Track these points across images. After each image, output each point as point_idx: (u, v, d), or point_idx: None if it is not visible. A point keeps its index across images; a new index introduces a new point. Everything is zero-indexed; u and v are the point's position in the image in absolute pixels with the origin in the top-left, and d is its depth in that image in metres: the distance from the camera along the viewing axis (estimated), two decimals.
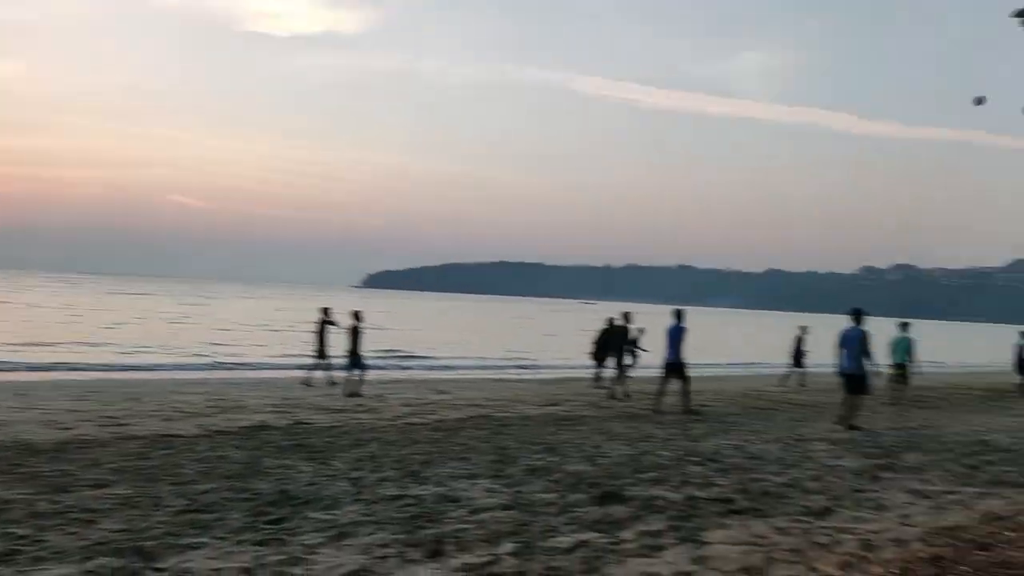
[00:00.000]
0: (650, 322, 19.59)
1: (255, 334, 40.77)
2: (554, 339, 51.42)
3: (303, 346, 21.44)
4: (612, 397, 16.39)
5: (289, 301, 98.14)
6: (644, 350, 18.80)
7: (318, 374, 17.61)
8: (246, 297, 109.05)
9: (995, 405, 17.61)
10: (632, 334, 17.89)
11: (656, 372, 15.01)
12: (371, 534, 5.76)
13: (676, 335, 14.18)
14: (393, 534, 5.75)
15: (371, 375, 17.41)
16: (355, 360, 16.32)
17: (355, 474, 7.89)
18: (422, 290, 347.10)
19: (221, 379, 19.68)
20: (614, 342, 17.45)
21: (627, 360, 17.32)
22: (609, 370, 17.60)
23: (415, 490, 7.23)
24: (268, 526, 5.94)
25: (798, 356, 22.11)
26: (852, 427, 12.05)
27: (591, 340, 19.12)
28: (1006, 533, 5.32)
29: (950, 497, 7.23)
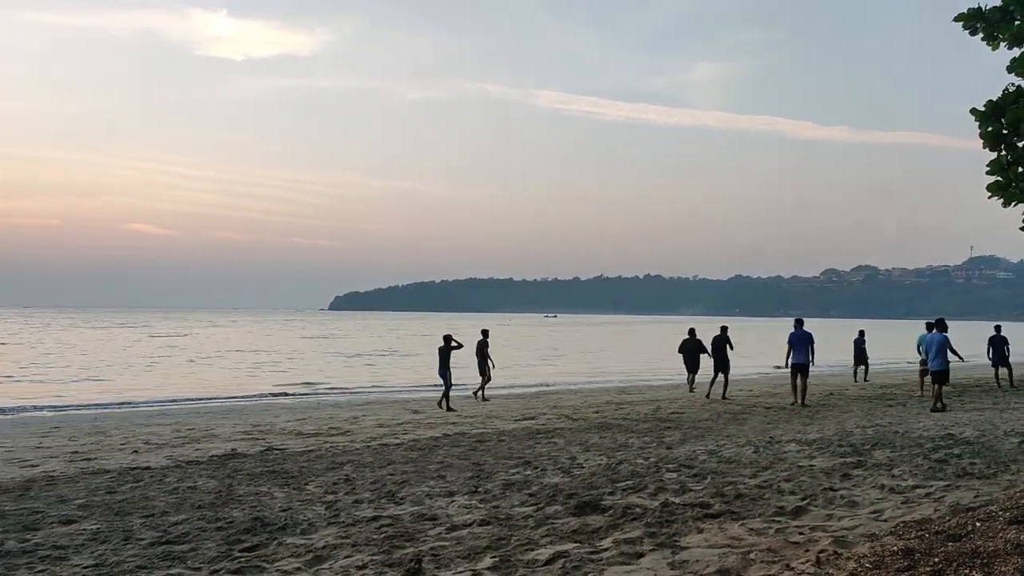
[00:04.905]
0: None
1: (243, 361, 40.02)
2: (518, 353, 51.37)
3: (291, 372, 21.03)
4: (707, 396, 18.77)
5: (269, 327, 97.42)
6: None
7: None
8: (220, 325, 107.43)
9: (959, 400, 17.90)
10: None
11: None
12: (348, 556, 5.72)
13: (803, 340, 16.82)
14: (371, 555, 5.72)
15: (333, 399, 17.21)
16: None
17: (330, 498, 7.83)
18: (391, 310, 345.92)
19: (188, 409, 19.36)
20: (716, 348, 19.23)
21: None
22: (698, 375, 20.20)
23: (392, 510, 7.20)
24: (243, 554, 5.88)
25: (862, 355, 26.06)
26: (937, 409, 15.07)
27: (678, 349, 20.88)
28: (975, 524, 5.40)
29: (919, 491, 7.34)
